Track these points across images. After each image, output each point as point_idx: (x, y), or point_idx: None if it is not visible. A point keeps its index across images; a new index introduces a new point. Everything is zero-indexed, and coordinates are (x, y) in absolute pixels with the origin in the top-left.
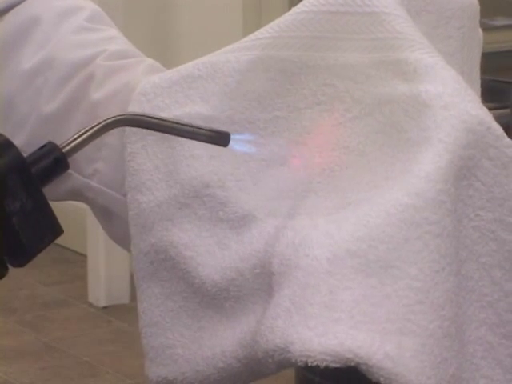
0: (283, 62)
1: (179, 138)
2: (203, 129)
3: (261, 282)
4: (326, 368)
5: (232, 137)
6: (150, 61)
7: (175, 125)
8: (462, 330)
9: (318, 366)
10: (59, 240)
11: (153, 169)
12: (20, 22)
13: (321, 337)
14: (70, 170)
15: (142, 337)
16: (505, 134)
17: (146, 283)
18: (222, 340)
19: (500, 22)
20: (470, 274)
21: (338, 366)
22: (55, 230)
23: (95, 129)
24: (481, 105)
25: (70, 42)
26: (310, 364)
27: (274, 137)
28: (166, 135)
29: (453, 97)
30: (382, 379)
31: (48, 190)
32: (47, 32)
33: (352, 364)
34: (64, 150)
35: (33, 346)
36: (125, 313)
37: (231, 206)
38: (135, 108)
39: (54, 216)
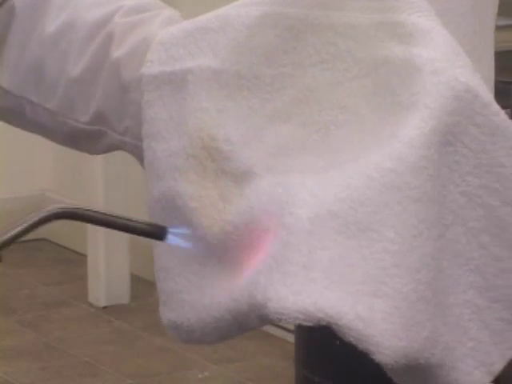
0: (290, 19)
1: (190, 90)
2: (140, 222)
3: (254, 238)
4: (327, 368)
5: (170, 230)
6: (167, 12)
7: (112, 218)
8: (447, 293)
9: (318, 366)
10: (59, 240)
11: (168, 118)
12: None
13: (296, 295)
14: (105, 129)
15: (156, 280)
16: (493, 101)
17: None
18: (219, 290)
19: (500, 21)
20: (458, 238)
21: (310, 324)
22: None
23: (29, 223)
24: (471, 71)
25: (87, 1)
26: (284, 321)
27: (278, 93)
28: (181, 86)
29: (443, 62)
30: (352, 339)
31: (89, 146)
32: None
33: (323, 323)
34: None
35: (33, 346)
36: (125, 313)
37: (235, 161)
38: (153, 57)
39: None
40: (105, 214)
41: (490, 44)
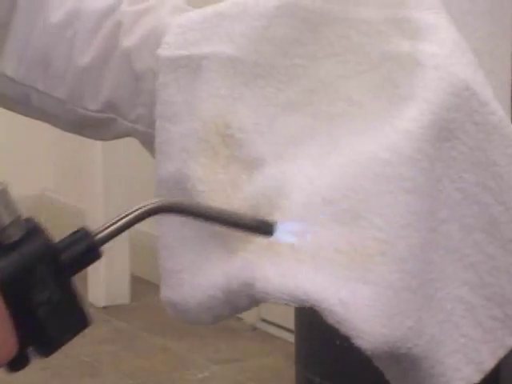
0: (306, 12)
1: (205, 75)
2: (247, 217)
3: None
4: (327, 368)
5: (278, 227)
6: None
7: (216, 211)
8: (436, 287)
9: (318, 366)
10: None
11: (182, 101)
12: None
13: (282, 277)
14: (115, 116)
15: (158, 258)
16: (492, 100)
17: None
18: (216, 270)
19: None
20: (452, 233)
21: (294, 305)
22: (83, 320)
23: (131, 217)
24: (474, 68)
25: None
26: (269, 301)
27: (292, 83)
28: (196, 70)
29: (446, 59)
30: (334, 323)
31: (97, 133)
32: None
33: (307, 305)
34: (96, 238)
35: None
36: (125, 313)
37: (247, 149)
38: (170, 39)
39: (83, 306)
40: (210, 207)
41: (507, 45)
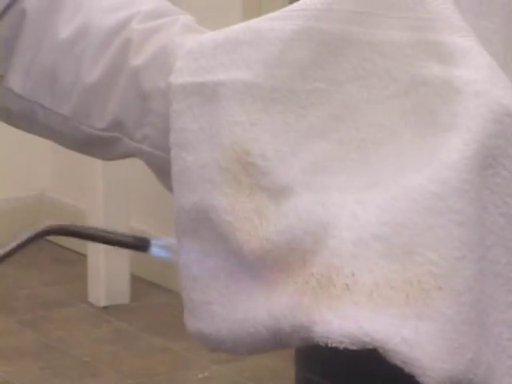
0: (326, 35)
1: (222, 102)
2: (125, 235)
3: (295, 257)
4: (327, 368)
5: (153, 242)
6: (183, 19)
7: (99, 233)
8: (487, 313)
9: (318, 366)
10: (59, 240)
11: (198, 129)
12: None
13: (341, 319)
14: (120, 136)
15: (182, 288)
16: None
17: (186, 238)
18: (255, 306)
19: None
20: (498, 258)
21: (356, 348)
22: None
23: (23, 239)
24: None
25: (101, 5)
26: (330, 345)
27: (313, 108)
28: (212, 97)
29: (484, 84)
30: (398, 363)
31: (102, 152)
32: None
33: (369, 347)
34: None
35: (33, 346)
36: (125, 313)
37: (271, 177)
38: (182, 65)
39: None
40: (90, 228)
41: None
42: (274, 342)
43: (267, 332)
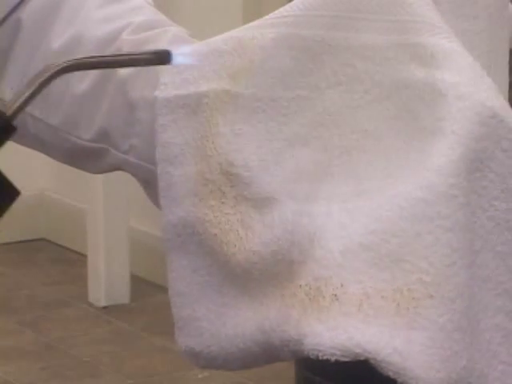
0: (306, 41)
1: (206, 113)
2: (144, 53)
3: (281, 268)
4: (327, 368)
5: (174, 52)
6: (174, 30)
7: (116, 58)
8: (478, 319)
9: (318, 366)
10: (59, 240)
11: (183, 143)
12: (47, 1)
13: (331, 331)
14: (107, 147)
15: (172, 305)
16: None
17: (174, 254)
18: (244, 321)
19: None
20: (486, 262)
21: (347, 360)
22: (11, 193)
23: (38, 82)
24: (496, 93)
25: (95, 16)
26: (320, 358)
27: (296, 116)
28: (196, 109)
29: (468, 87)
30: (391, 373)
31: (90, 165)
32: (74, 8)
33: (361, 358)
34: (9, 113)
35: (33, 346)
36: (125, 313)
37: (254, 187)
38: (166, 79)
39: (7, 180)
40: (108, 56)
41: (504, 62)
42: (264, 356)
43: (257, 347)
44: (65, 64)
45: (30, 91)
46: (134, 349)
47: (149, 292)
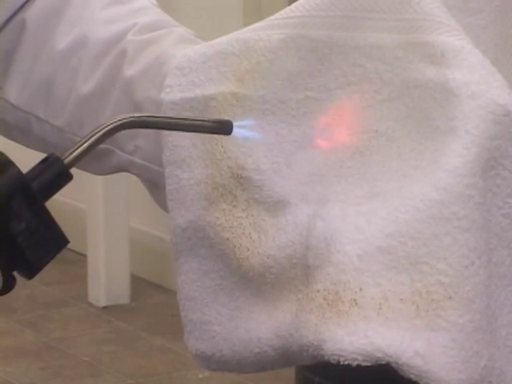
0: (314, 42)
1: (213, 116)
2: (206, 121)
3: (296, 272)
4: (326, 368)
5: (235, 124)
6: (179, 30)
7: (180, 121)
8: (495, 317)
9: (318, 366)
10: None
11: (191, 146)
12: (52, 1)
13: (351, 335)
14: (112, 147)
15: (181, 309)
16: None
17: (184, 258)
18: (258, 325)
19: None
20: (502, 260)
21: (369, 364)
22: (60, 242)
23: (97, 136)
24: (508, 89)
25: (100, 17)
26: (342, 363)
27: (305, 117)
28: (203, 112)
29: (480, 85)
30: (412, 376)
31: (94, 166)
32: (79, 9)
33: (382, 362)
34: (66, 161)
35: (33, 346)
36: (125, 313)
37: (266, 190)
38: (172, 82)
39: (59, 228)
40: (170, 117)
41: (509, 55)
42: (282, 361)
43: (274, 352)
44: (120, 121)
45: (87, 144)
46: (133, 349)
47: (149, 292)
